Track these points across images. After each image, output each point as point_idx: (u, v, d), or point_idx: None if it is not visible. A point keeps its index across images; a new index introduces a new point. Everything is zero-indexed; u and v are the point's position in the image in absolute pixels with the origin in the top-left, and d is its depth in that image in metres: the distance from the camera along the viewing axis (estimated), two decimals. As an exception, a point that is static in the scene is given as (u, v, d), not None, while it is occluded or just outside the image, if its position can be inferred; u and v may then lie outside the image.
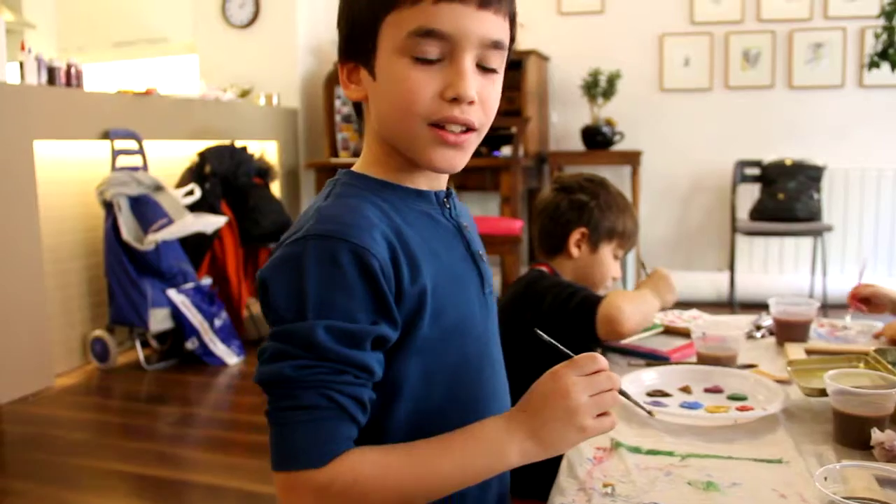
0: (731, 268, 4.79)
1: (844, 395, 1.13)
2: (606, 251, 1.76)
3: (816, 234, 4.58)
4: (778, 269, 4.97)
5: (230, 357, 3.93)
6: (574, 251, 1.75)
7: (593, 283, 1.76)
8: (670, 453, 1.12)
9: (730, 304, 4.72)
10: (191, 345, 3.86)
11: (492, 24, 0.84)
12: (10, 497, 2.60)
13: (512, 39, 0.89)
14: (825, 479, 0.85)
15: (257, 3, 5.29)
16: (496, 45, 0.85)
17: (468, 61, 0.83)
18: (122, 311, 3.76)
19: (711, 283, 4.90)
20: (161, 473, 2.74)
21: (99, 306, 3.96)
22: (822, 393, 1.24)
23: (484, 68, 0.86)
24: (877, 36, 3.91)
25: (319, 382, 0.78)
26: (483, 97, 0.86)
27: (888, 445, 1.06)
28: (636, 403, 1.00)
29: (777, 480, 1.02)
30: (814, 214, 4.58)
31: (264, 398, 0.82)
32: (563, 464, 1.09)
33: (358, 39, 0.87)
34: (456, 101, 0.84)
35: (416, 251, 0.85)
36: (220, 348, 3.91)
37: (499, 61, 0.87)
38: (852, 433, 1.13)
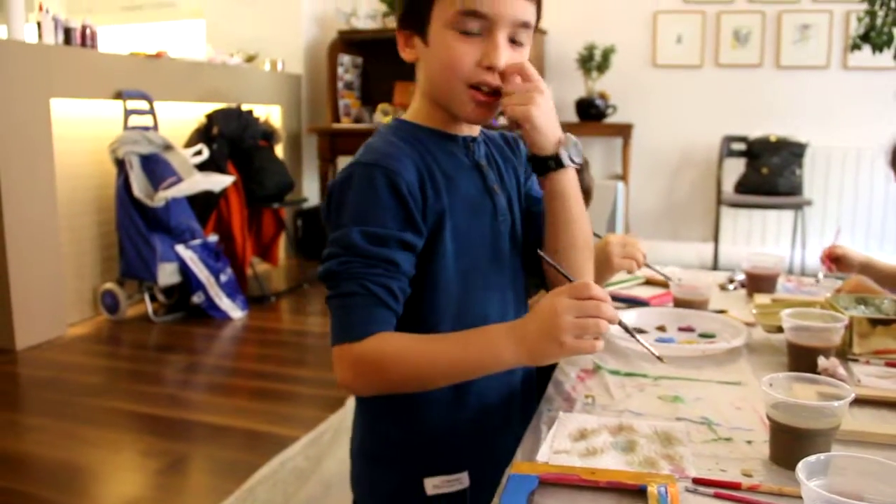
0: (716, 239, 4.98)
1: (797, 330, 1.31)
2: None
3: (797, 207, 4.77)
4: (760, 240, 5.16)
5: (235, 311, 4.10)
6: None
7: None
8: (644, 375, 1.30)
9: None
10: (197, 298, 4.03)
11: (522, 8, 1.03)
12: (32, 432, 2.79)
13: (538, 18, 1.08)
14: (770, 385, 0.99)
15: (263, -30, 5.41)
16: (525, 25, 1.04)
17: (502, 37, 1.02)
18: (132, 265, 3.92)
19: (696, 253, 5.09)
20: (169, 413, 2.93)
21: (110, 260, 4.12)
22: (781, 329, 1.42)
23: (514, 42, 1.04)
24: (859, 19, 4.05)
25: (356, 274, 0.98)
26: None
27: (832, 371, 1.24)
28: (643, 345, 1.01)
29: (735, 397, 1.20)
30: (795, 189, 4.77)
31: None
32: (552, 381, 1.27)
33: (415, 13, 1.06)
34: (490, 69, 1.02)
35: (438, 179, 1.06)
36: (225, 302, 4.08)
37: (526, 37, 1.06)
38: (803, 361, 1.30)
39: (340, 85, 5.36)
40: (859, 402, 1.16)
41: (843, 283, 1.92)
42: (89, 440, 2.70)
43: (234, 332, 3.98)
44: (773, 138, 4.83)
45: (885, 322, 1.37)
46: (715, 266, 4.93)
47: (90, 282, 4.06)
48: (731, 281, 2.00)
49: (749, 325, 1.58)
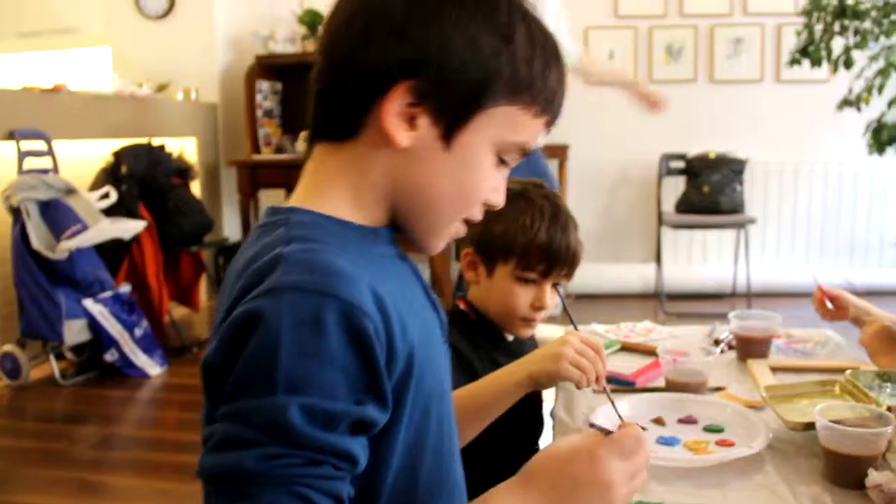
0: (658, 260, 4.85)
1: (836, 433, 1.10)
2: (502, 274, 1.36)
3: (740, 226, 4.66)
4: (702, 259, 5.06)
5: (152, 368, 3.75)
6: (470, 276, 1.41)
7: (498, 317, 1.41)
8: None
9: (656, 296, 4.77)
10: (110, 357, 3.66)
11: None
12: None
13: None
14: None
15: (172, -8, 5.05)
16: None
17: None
18: (33, 323, 3.53)
19: (639, 275, 4.95)
20: (83, 504, 2.57)
21: (7, 319, 3.70)
22: (808, 427, 1.21)
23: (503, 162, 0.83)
24: (798, 34, 3.98)
25: (288, 477, 0.61)
26: None
27: (886, 488, 1.03)
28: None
29: (778, 531, 0.98)
30: (737, 207, 4.66)
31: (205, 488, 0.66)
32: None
33: (459, 94, 0.73)
34: (489, 208, 0.82)
35: (399, 304, 0.70)
36: (141, 359, 3.72)
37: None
38: (846, 473, 1.10)
39: (259, 113, 5.04)
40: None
41: (863, 330, 1.70)
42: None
43: (152, 392, 3.62)
44: (711, 155, 4.72)
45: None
46: (658, 287, 4.79)
47: (-14, 344, 3.65)
48: (717, 342, 1.79)
49: (754, 406, 1.38)
